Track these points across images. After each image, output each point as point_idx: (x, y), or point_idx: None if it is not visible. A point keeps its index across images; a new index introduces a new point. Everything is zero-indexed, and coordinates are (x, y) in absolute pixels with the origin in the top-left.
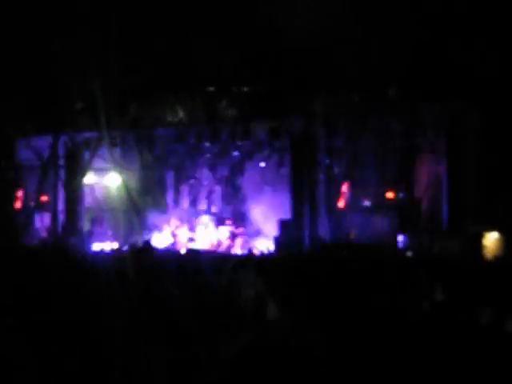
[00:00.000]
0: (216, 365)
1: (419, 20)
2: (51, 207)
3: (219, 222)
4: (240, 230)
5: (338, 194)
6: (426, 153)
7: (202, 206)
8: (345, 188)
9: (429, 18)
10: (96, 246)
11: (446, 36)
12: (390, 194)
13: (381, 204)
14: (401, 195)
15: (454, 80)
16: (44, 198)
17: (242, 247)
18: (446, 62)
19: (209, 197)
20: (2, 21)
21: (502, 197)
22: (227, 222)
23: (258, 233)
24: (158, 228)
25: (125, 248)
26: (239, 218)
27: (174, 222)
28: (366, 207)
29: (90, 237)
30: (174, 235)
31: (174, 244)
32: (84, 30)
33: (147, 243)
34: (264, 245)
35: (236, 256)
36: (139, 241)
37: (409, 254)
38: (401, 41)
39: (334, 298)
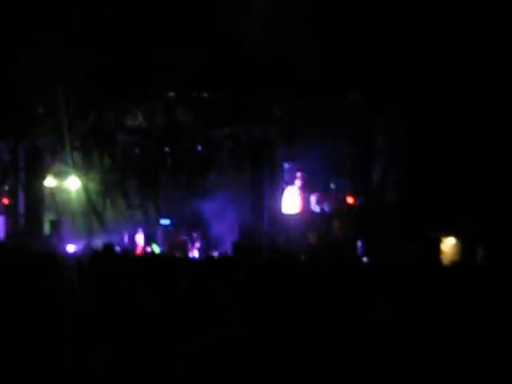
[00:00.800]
0: (178, 363)
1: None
2: (12, 210)
3: (179, 226)
4: (198, 233)
5: (298, 198)
6: (384, 157)
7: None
8: (304, 193)
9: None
10: (57, 249)
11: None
12: (349, 199)
13: (341, 209)
14: (360, 200)
15: (410, 82)
16: (5, 201)
17: (200, 251)
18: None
19: (168, 201)
20: None
21: (460, 203)
22: (188, 226)
23: (216, 237)
24: (117, 231)
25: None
26: (198, 222)
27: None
28: (326, 212)
29: (51, 240)
30: (133, 239)
31: (133, 247)
32: (47, 35)
33: (108, 246)
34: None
35: (195, 259)
36: (99, 243)
37: (364, 259)
38: (357, 44)
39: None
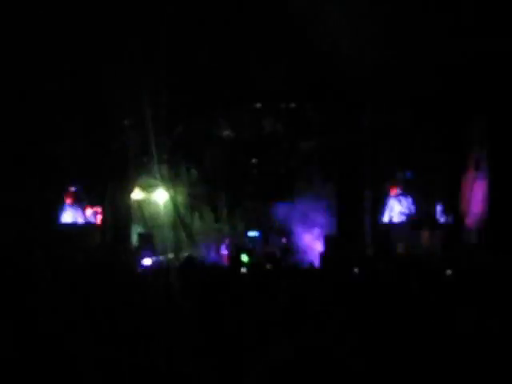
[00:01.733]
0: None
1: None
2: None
3: (266, 237)
4: (285, 245)
5: (383, 208)
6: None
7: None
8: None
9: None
10: (145, 262)
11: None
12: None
13: (426, 218)
14: (447, 210)
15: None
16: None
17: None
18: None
19: (256, 213)
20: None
21: None
22: (276, 237)
23: (302, 248)
24: (205, 244)
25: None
26: (284, 235)
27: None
28: (412, 221)
29: (138, 253)
30: (220, 251)
31: (220, 260)
32: (132, 48)
33: (190, 257)
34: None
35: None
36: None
37: (449, 271)
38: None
39: None
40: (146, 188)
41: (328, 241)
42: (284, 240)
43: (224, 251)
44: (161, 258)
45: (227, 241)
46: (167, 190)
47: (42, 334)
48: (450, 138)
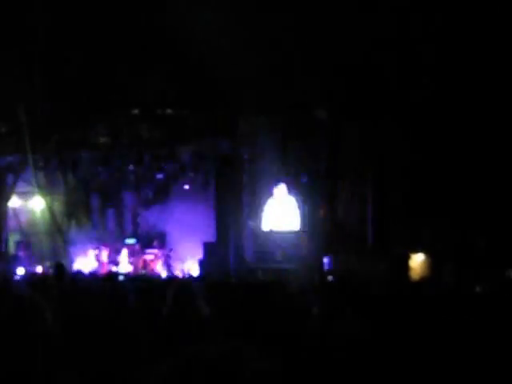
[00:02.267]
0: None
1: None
2: None
3: (144, 244)
4: (162, 252)
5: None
6: (350, 173)
7: (126, 228)
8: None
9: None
10: (20, 271)
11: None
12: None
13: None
14: (327, 216)
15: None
16: None
17: (165, 270)
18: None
19: (133, 219)
20: None
21: (427, 219)
22: (154, 244)
23: (180, 255)
24: (83, 251)
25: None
26: (162, 241)
27: (98, 245)
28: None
29: (15, 261)
30: (98, 259)
31: (98, 267)
32: (10, 55)
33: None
34: (188, 268)
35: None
36: (64, 263)
37: (330, 278)
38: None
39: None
40: (23, 195)
41: (207, 247)
42: (168, 249)
43: (102, 259)
44: (38, 267)
45: (105, 249)
46: (44, 197)
47: None
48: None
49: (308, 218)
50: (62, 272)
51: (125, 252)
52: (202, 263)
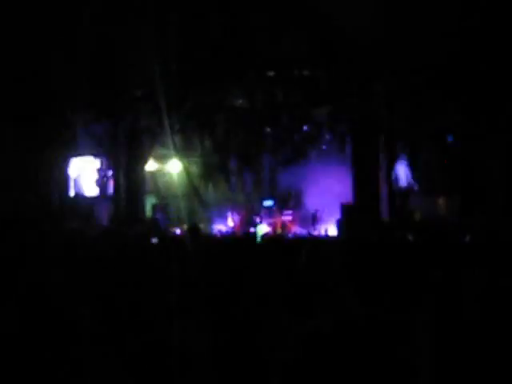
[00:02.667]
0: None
1: None
2: (113, 195)
3: (281, 206)
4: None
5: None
6: None
7: (264, 190)
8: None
9: None
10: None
11: None
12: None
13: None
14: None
15: None
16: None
17: (301, 231)
18: None
19: (270, 181)
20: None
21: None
22: (290, 205)
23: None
24: (220, 214)
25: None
26: (299, 202)
27: (237, 207)
28: (428, 189)
29: (153, 224)
30: (235, 220)
31: (235, 229)
32: (141, 20)
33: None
34: (326, 228)
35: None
36: (201, 226)
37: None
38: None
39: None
40: (160, 159)
41: (345, 209)
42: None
43: (236, 219)
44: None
45: (241, 210)
46: (181, 160)
47: (50, 308)
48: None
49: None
50: (196, 233)
51: (263, 213)
52: (339, 224)
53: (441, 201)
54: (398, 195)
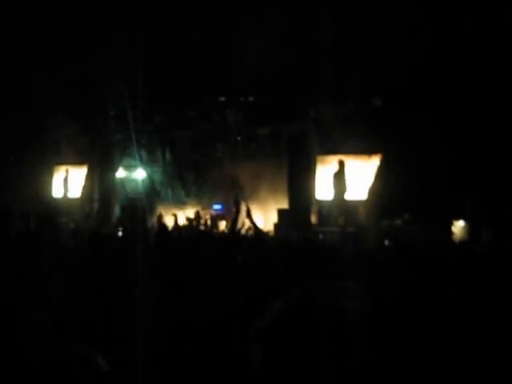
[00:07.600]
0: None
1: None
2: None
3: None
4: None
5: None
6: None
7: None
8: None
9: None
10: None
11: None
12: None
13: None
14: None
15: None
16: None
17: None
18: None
19: (219, 190)
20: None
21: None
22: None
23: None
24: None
25: None
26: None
27: (188, 210)
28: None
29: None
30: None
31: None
32: (114, 46)
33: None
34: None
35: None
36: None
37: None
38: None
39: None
40: (128, 168)
41: (281, 213)
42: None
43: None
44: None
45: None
46: (145, 169)
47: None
48: None
49: (369, 188)
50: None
51: (207, 213)
52: (275, 226)
53: (361, 208)
54: (326, 203)
